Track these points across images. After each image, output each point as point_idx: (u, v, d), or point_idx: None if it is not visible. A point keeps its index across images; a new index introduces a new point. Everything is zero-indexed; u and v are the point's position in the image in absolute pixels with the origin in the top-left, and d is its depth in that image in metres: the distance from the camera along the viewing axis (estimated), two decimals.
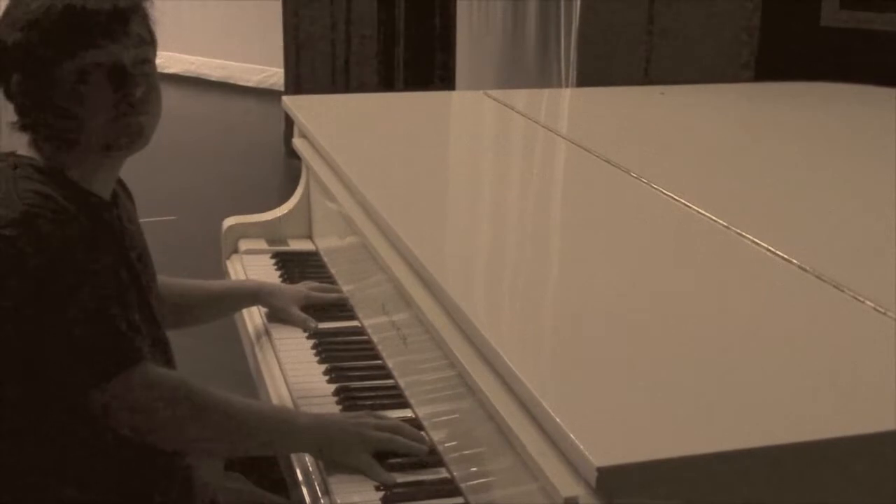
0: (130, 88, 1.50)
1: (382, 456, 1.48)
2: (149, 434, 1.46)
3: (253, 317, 2.06)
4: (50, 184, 1.47)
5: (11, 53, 1.48)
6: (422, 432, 1.55)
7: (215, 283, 2.15)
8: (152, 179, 1.73)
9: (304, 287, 2.06)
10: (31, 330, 1.39)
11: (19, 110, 1.52)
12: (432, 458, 1.51)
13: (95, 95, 1.48)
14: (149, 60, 1.53)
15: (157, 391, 1.44)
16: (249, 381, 2.00)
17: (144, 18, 1.54)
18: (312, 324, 1.96)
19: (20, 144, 1.56)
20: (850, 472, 1.14)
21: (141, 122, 1.52)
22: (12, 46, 1.47)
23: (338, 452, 1.48)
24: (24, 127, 1.53)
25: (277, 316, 2.00)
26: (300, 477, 1.52)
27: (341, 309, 2.04)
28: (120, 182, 1.66)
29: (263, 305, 2.03)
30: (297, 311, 1.98)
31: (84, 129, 1.49)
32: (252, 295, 2.04)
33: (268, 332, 1.99)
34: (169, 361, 1.66)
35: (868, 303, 1.44)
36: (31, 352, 1.40)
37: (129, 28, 1.50)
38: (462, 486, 1.43)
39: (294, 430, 1.52)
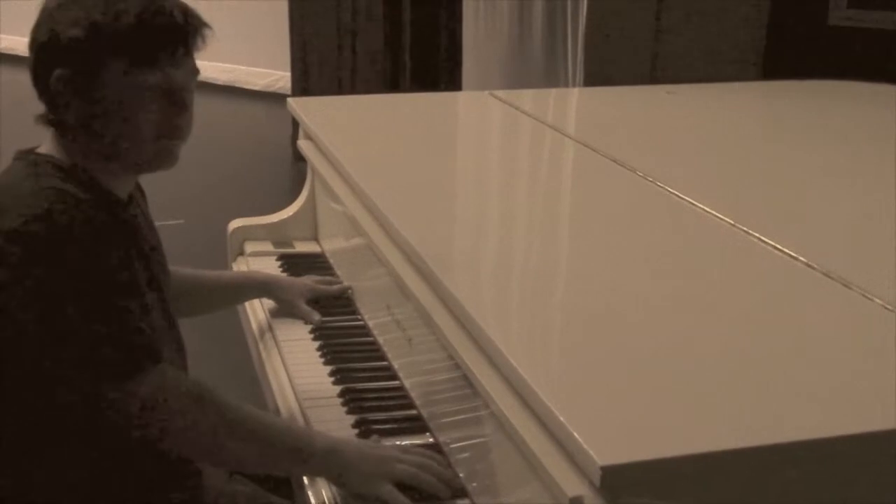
0: (178, 113, 1.49)
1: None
2: (164, 436, 1.43)
3: (256, 312, 2.08)
4: (70, 182, 1.45)
5: (64, 47, 1.43)
6: (451, 469, 1.45)
7: (224, 274, 2.20)
8: (160, 183, 1.72)
9: (309, 280, 2.09)
10: (50, 327, 1.37)
11: (53, 105, 1.49)
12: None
13: (142, 114, 1.46)
14: (193, 89, 1.52)
15: (174, 393, 1.41)
16: (258, 384, 1.99)
17: (201, 46, 1.52)
18: (317, 317, 1.98)
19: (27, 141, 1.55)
20: (859, 469, 1.13)
21: (176, 147, 1.52)
22: (67, 41, 1.43)
23: (356, 480, 1.41)
24: (51, 122, 1.50)
25: (283, 309, 2.03)
26: (305, 479, 1.52)
27: (346, 303, 2.07)
28: (136, 182, 1.65)
29: (271, 298, 2.06)
30: (303, 305, 2.01)
31: (120, 143, 1.48)
32: (260, 286, 2.07)
33: (271, 329, 2.00)
34: (182, 357, 1.65)
35: (877, 300, 1.43)
36: (49, 349, 1.38)
37: (189, 53, 1.49)
38: (467, 486, 1.43)
39: (309, 450, 1.44)
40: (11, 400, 1.44)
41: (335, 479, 1.44)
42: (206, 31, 1.52)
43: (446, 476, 1.43)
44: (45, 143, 1.53)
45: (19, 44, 7.33)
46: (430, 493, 1.40)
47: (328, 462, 1.43)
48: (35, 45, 1.48)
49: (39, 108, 1.53)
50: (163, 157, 1.52)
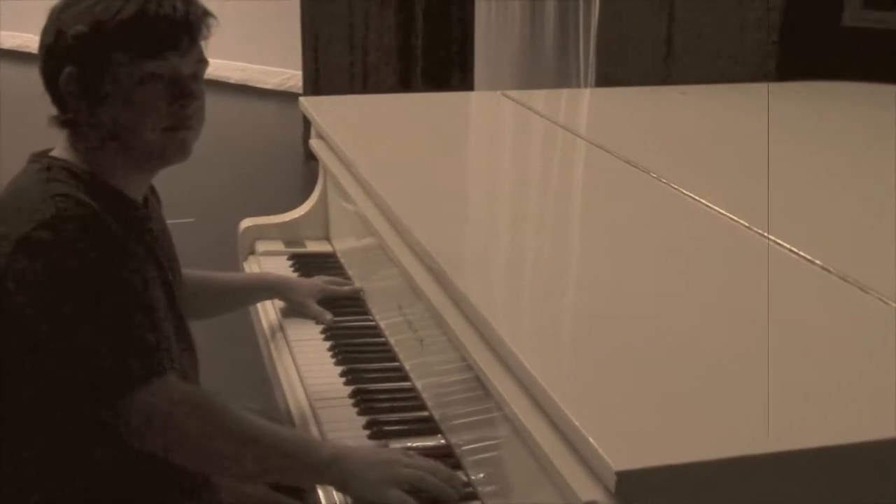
0: (186, 102, 1.49)
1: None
2: (167, 448, 1.42)
3: (268, 312, 2.08)
4: (82, 187, 1.45)
5: (70, 45, 1.45)
6: (457, 472, 1.44)
7: (236, 276, 2.20)
8: (171, 182, 1.72)
9: (319, 281, 2.09)
10: (55, 334, 1.37)
11: (63, 105, 1.50)
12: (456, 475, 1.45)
13: (150, 105, 1.47)
14: (202, 77, 1.53)
15: (176, 405, 1.40)
16: (269, 384, 1.99)
17: (206, 35, 1.52)
18: (328, 317, 1.98)
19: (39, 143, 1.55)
20: (876, 476, 1.12)
21: (188, 137, 1.52)
22: (72, 38, 1.45)
23: (363, 488, 1.39)
24: (64, 123, 1.51)
25: (294, 309, 2.03)
26: None
27: (357, 303, 2.06)
28: (150, 185, 1.65)
29: (281, 299, 2.06)
30: (314, 305, 2.01)
31: (131, 136, 1.48)
32: (271, 288, 2.07)
33: (283, 329, 2.00)
34: (193, 359, 1.65)
35: (894, 304, 1.41)
36: (52, 356, 1.38)
37: (194, 42, 1.50)
38: (480, 489, 1.42)
39: (314, 459, 1.43)
40: (15, 403, 1.44)
41: (342, 487, 1.42)
42: (211, 21, 1.53)
43: (453, 479, 1.42)
44: (59, 145, 1.53)
45: (22, 41, 7.35)
46: (437, 497, 1.39)
47: (334, 471, 1.41)
48: (43, 47, 1.50)
49: (44, 105, 1.53)
50: (175, 149, 1.51)
